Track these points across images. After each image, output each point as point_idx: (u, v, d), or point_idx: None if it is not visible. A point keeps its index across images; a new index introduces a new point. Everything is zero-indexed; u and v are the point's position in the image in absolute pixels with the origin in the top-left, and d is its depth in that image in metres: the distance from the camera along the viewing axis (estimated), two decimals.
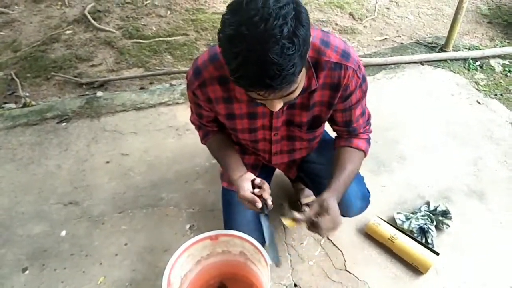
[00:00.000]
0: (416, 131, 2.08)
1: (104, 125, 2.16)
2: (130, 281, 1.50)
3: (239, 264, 1.36)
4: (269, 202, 1.11)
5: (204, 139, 1.33)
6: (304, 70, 0.87)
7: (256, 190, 1.11)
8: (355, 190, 1.30)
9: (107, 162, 1.96)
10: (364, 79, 1.10)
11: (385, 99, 2.29)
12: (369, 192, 1.36)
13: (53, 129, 2.16)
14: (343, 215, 1.38)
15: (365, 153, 1.24)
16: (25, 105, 2.36)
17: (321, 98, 1.10)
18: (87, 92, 2.48)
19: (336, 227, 1.06)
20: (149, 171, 1.91)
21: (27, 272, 1.54)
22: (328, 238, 1.60)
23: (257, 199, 1.09)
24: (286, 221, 1.10)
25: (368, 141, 1.25)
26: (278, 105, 0.89)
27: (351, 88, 1.07)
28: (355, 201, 1.30)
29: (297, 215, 1.05)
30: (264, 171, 1.44)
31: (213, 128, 1.29)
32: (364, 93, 1.13)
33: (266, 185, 1.13)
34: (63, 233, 1.66)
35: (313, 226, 1.04)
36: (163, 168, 1.92)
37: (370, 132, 1.25)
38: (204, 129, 1.31)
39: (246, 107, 1.11)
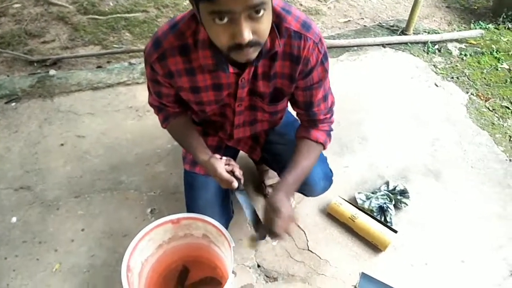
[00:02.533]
0: (377, 112, 2.12)
1: (58, 106, 2.04)
2: (88, 267, 1.45)
3: (202, 247, 1.34)
4: (241, 177, 1.12)
5: (164, 122, 1.26)
6: (269, 6, 0.83)
7: (228, 168, 1.10)
8: (318, 171, 1.30)
9: (62, 144, 1.86)
10: (325, 56, 1.07)
11: (348, 81, 2.31)
12: (331, 172, 1.37)
13: (1, 109, 2.01)
14: (306, 195, 1.40)
15: (324, 145, 1.22)
16: None
17: (282, 70, 1.07)
18: (38, 71, 2.32)
19: (291, 226, 1.05)
20: (107, 154, 1.83)
21: None
22: None
23: (233, 178, 1.08)
24: (248, 244, 1.13)
25: (328, 133, 1.23)
26: (246, 32, 0.80)
27: (312, 63, 1.05)
28: (319, 181, 1.31)
29: (254, 233, 1.11)
30: (227, 153, 1.41)
31: (174, 109, 1.22)
32: (326, 72, 1.10)
33: (233, 162, 1.13)
34: (14, 219, 1.57)
35: (271, 234, 1.03)
36: (123, 150, 1.85)
37: (331, 122, 1.23)
38: (165, 112, 1.23)
39: (210, 78, 1.05)
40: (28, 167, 1.75)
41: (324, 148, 1.23)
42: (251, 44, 0.84)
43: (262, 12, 0.80)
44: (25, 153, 1.81)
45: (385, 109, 2.15)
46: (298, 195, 1.59)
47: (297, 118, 1.29)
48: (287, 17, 0.99)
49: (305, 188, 1.32)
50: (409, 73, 2.41)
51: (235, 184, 1.07)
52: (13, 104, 2.04)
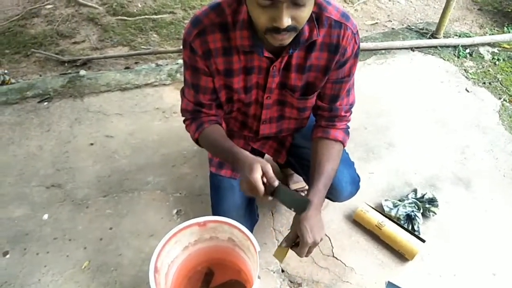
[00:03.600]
0: (405, 118, 2.09)
1: (88, 106, 2.10)
2: (116, 266, 1.48)
3: (227, 250, 1.35)
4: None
5: (197, 131, 1.18)
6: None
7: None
8: (346, 175, 1.29)
9: (91, 144, 1.91)
10: (359, 50, 1.11)
11: (376, 84, 2.28)
12: (359, 177, 1.36)
13: (34, 108, 2.08)
14: (332, 200, 1.39)
15: (343, 143, 1.23)
16: (3, 83, 2.27)
17: (318, 62, 1.09)
18: (69, 71, 2.39)
19: (320, 240, 1.13)
20: (134, 154, 1.87)
21: (8, 256, 1.50)
22: None
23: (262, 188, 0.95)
24: (277, 255, 1.17)
25: (346, 131, 1.24)
26: (285, 18, 0.84)
27: (348, 53, 1.08)
28: (346, 185, 1.30)
29: (284, 244, 1.15)
30: None
31: (208, 116, 1.19)
32: (355, 66, 1.14)
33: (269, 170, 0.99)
34: (45, 216, 1.62)
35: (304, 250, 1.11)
36: (149, 151, 1.88)
37: (349, 120, 1.25)
38: (198, 120, 1.19)
39: (244, 59, 1.07)
40: (59, 165, 1.81)
41: (344, 146, 1.24)
42: (288, 29, 0.87)
43: (304, 2, 0.84)
44: (56, 151, 1.87)
45: (413, 114, 2.11)
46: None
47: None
48: (328, 7, 1.02)
49: (332, 193, 1.32)
50: (438, 78, 2.36)
51: (276, 182, 0.96)
52: (45, 103, 2.11)
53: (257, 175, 0.93)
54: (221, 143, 1.12)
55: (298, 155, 1.40)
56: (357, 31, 1.08)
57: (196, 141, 1.22)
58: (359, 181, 1.36)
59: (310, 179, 1.18)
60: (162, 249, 1.20)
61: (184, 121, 1.24)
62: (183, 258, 1.34)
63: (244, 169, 0.98)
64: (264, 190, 0.95)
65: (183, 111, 1.23)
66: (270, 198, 0.98)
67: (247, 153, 1.02)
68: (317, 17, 1.01)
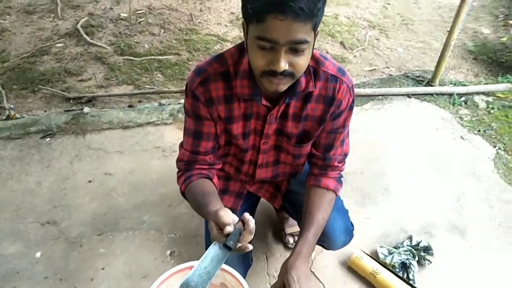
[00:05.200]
0: (401, 163, 2.11)
1: (89, 143, 2.14)
2: None
3: None
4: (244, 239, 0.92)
5: (185, 182, 1.17)
6: (311, 46, 0.92)
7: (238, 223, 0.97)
8: (339, 224, 1.31)
9: (90, 181, 1.93)
10: (354, 103, 1.16)
11: (373, 130, 2.33)
12: (352, 226, 1.37)
13: (36, 144, 2.12)
14: (326, 248, 1.39)
15: (335, 192, 1.25)
16: (8, 118, 2.32)
17: (314, 112, 1.13)
18: (74, 107, 2.46)
19: None
20: (132, 193, 1.88)
21: None
22: (311, 270, 1.58)
23: (230, 225, 0.89)
24: None
25: (338, 179, 1.27)
26: (283, 62, 0.88)
27: (343, 105, 1.12)
28: (339, 235, 1.30)
29: None
30: (248, 200, 1.43)
31: (203, 165, 1.19)
32: (350, 118, 1.19)
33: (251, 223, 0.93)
34: (38, 254, 1.61)
35: None
36: (147, 190, 1.89)
37: (342, 170, 1.28)
38: (190, 172, 1.18)
39: (244, 107, 1.11)
40: (56, 202, 1.82)
41: (336, 195, 1.26)
42: (284, 74, 0.91)
43: (303, 50, 0.89)
44: (55, 188, 1.88)
45: (409, 160, 2.14)
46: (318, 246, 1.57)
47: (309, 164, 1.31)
48: (325, 62, 1.08)
49: (326, 241, 1.32)
50: (434, 125, 2.41)
51: (229, 228, 0.88)
52: (48, 139, 2.15)
53: (212, 222, 0.94)
54: (200, 198, 1.10)
55: (293, 201, 1.42)
56: (352, 85, 1.14)
57: (183, 194, 1.22)
58: (353, 230, 1.37)
59: (300, 228, 1.20)
60: None
61: (177, 173, 1.23)
62: None
63: (208, 219, 0.99)
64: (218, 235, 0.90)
65: (178, 162, 1.23)
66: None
67: (217, 204, 1.03)
68: (315, 71, 1.07)
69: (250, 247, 0.91)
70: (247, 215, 0.92)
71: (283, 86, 0.96)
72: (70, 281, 1.53)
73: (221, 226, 0.90)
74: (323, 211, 1.20)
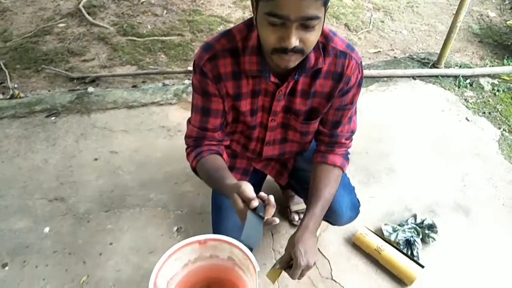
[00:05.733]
0: (406, 144, 2.12)
1: (94, 122, 2.14)
2: (114, 282, 1.48)
3: (226, 269, 1.35)
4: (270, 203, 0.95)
5: (196, 158, 1.19)
6: (321, 23, 0.90)
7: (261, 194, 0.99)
8: (346, 200, 1.32)
9: (96, 159, 1.94)
10: (362, 80, 1.16)
11: (377, 111, 2.33)
12: (359, 202, 1.38)
13: (41, 123, 2.12)
14: (332, 224, 1.41)
15: (342, 169, 1.25)
16: (12, 97, 2.32)
17: (322, 89, 1.13)
18: (78, 87, 2.45)
19: (313, 264, 1.14)
20: (138, 171, 1.89)
21: (7, 268, 1.50)
22: None
23: (255, 199, 0.92)
24: (270, 276, 1.17)
25: (345, 156, 1.27)
26: (294, 38, 0.87)
27: (352, 82, 1.12)
28: (346, 211, 1.32)
29: (277, 265, 1.15)
30: (255, 177, 1.44)
31: (211, 141, 1.21)
32: (358, 95, 1.18)
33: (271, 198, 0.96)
34: (47, 229, 1.63)
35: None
36: (153, 168, 1.90)
37: (349, 147, 1.28)
38: (199, 148, 1.20)
39: (252, 83, 1.11)
40: (63, 179, 1.83)
41: (343, 171, 1.26)
42: (295, 50, 0.90)
43: (313, 26, 0.88)
44: (61, 165, 1.89)
45: (414, 141, 2.14)
46: (323, 223, 1.59)
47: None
48: (334, 38, 1.07)
49: (332, 217, 1.33)
50: (439, 106, 2.41)
51: (255, 203, 0.92)
52: (53, 118, 2.15)
53: (236, 195, 0.95)
54: (214, 173, 1.12)
55: (300, 178, 1.43)
56: (361, 61, 1.13)
57: (194, 170, 1.23)
58: (359, 206, 1.38)
59: (307, 203, 1.21)
60: (162, 267, 1.20)
61: (186, 150, 1.25)
62: (182, 276, 1.33)
63: (227, 193, 1.01)
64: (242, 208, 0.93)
65: (187, 138, 1.24)
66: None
67: (234, 181, 1.03)
68: (324, 47, 1.07)
69: (277, 220, 0.94)
70: (263, 194, 0.95)
71: (293, 62, 0.96)
72: (79, 255, 1.55)
73: (245, 200, 0.92)
74: (330, 187, 1.21)
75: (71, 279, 1.48)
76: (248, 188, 0.93)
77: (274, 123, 1.24)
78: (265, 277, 1.21)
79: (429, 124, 2.27)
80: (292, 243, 1.14)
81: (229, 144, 1.34)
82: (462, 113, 2.37)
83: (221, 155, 1.21)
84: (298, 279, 1.13)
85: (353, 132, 1.27)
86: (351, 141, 1.28)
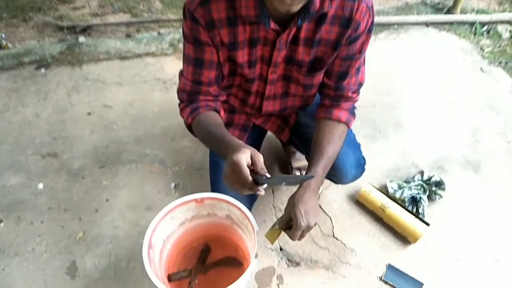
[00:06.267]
0: (415, 96, 2.01)
1: (86, 74, 2.04)
2: (111, 238, 1.46)
3: (224, 227, 1.32)
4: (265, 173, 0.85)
5: (191, 115, 1.08)
6: None
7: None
8: (351, 158, 1.24)
9: (89, 113, 1.86)
10: (372, 25, 1.03)
11: (386, 60, 2.19)
12: (364, 160, 1.31)
13: (31, 75, 2.02)
14: (335, 182, 1.34)
15: (347, 125, 1.16)
16: (0, 47, 2.20)
17: (328, 36, 1.01)
18: (68, 37, 2.32)
19: (314, 225, 1.08)
20: (133, 125, 1.82)
21: (2, 224, 1.48)
22: None
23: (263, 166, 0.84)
24: (269, 236, 1.12)
25: (351, 111, 1.17)
26: None
27: (361, 28, 1.00)
28: (350, 169, 1.24)
29: (276, 226, 1.10)
30: (254, 133, 1.36)
31: (207, 96, 1.11)
32: (367, 43, 1.06)
33: (257, 157, 0.86)
34: (41, 185, 1.59)
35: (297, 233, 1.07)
36: (149, 123, 1.83)
37: (356, 101, 1.18)
38: (195, 104, 1.09)
39: (249, 30, 1.00)
40: (56, 134, 1.77)
41: (348, 127, 1.18)
42: None
43: None
44: (53, 120, 1.82)
45: (424, 92, 2.03)
46: (326, 181, 1.53)
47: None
48: None
49: (335, 175, 1.27)
50: (453, 55, 2.26)
51: (262, 193, 0.85)
52: (43, 70, 2.05)
53: (242, 157, 0.81)
54: (214, 130, 1.01)
55: (302, 134, 1.34)
56: (372, 5, 1.00)
57: (189, 127, 1.13)
58: (364, 164, 1.30)
59: (309, 161, 1.13)
60: (158, 225, 1.16)
61: (179, 105, 1.14)
62: (179, 234, 1.30)
63: (228, 152, 0.86)
64: (250, 178, 0.81)
65: (180, 92, 1.13)
66: (260, 191, 0.84)
67: (240, 141, 0.93)
68: None
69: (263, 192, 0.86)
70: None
71: (296, 6, 0.84)
72: (75, 211, 1.53)
73: (255, 161, 0.83)
74: (333, 145, 1.12)
75: (67, 236, 1.46)
76: (261, 159, 0.84)
77: (274, 76, 1.13)
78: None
79: (441, 74, 2.14)
80: (292, 203, 1.08)
81: (226, 99, 1.25)
82: (477, 63, 2.23)
83: (218, 112, 1.12)
84: (298, 240, 1.08)
85: (360, 84, 1.16)
86: (358, 94, 1.18)
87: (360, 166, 1.28)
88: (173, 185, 1.61)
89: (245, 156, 0.82)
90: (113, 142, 1.75)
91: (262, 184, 0.83)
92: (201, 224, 1.33)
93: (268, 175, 0.82)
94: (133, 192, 1.59)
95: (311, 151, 1.15)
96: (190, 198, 1.19)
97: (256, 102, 1.24)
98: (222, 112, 1.15)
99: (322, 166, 1.10)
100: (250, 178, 0.82)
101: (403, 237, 1.46)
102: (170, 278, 1.25)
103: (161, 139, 1.76)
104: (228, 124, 1.31)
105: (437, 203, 1.57)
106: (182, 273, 1.28)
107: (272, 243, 1.15)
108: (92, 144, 1.74)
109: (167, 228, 1.23)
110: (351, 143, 1.27)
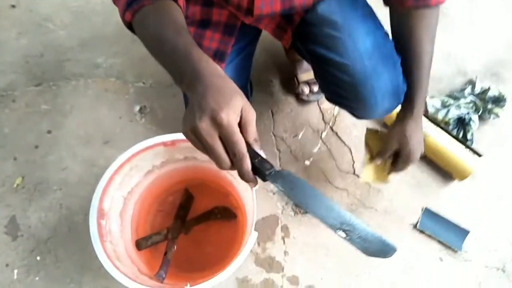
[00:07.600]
0: None
1: None
2: (60, 185, 1.13)
3: (209, 170, 0.97)
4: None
5: (130, 8, 0.62)
6: None
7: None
8: (386, 82, 0.82)
9: (13, 6, 1.37)
10: None
11: None
12: (404, 85, 0.87)
13: None
14: (357, 116, 0.94)
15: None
16: None
17: None
18: None
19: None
20: (77, 23, 1.36)
21: None
22: (332, 130, 1.19)
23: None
24: (368, 175, 0.98)
25: None
26: None
27: None
28: (382, 100, 0.83)
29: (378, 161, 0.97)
30: (243, 35, 0.91)
31: None
32: None
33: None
34: None
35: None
36: (98, 19, 1.37)
37: None
38: None
39: None
40: None
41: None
42: None
43: None
44: None
45: None
46: None
47: None
48: None
49: (358, 108, 0.88)
50: None
51: (256, 187, 0.54)
52: None
53: (233, 117, 0.47)
54: (169, 36, 0.58)
55: (311, 38, 0.87)
56: None
57: (129, 26, 0.67)
58: (405, 90, 0.87)
59: (406, 73, 0.85)
60: (109, 184, 0.81)
61: None
62: (146, 184, 0.97)
63: (196, 84, 0.50)
64: (249, 163, 0.48)
65: None
66: (254, 185, 0.52)
67: (216, 66, 0.52)
68: None
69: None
70: None
71: None
72: (6, 149, 1.17)
73: (245, 123, 0.48)
74: (432, 44, 0.83)
75: (1, 183, 1.12)
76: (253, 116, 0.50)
77: None
78: None
79: None
80: (402, 134, 0.91)
81: None
82: None
83: (176, 1, 0.65)
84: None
85: None
86: None
87: (397, 95, 0.86)
88: (137, 108, 1.22)
89: (236, 114, 0.47)
90: (50, 48, 1.31)
91: (264, 178, 0.49)
92: (176, 168, 1.00)
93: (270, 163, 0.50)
94: (84, 120, 1.21)
95: (407, 59, 0.84)
96: (155, 142, 0.83)
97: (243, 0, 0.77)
98: (182, 1, 0.67)
99: (426, 80, 0.87)
100: (249, 162, 0.47)
101: (445, 173, 1.13)
102: (139, 246, 0.93)
103: (117, 43, 1.33)
104: (204, 24, 0.86)
105: (489, 124, 1.21)
106: (155, 237, 0.97)
107: (376, 183, 1.05)
108: (21, 52, 1.30)
109: (127, 182, 0.90)
110: (388, 57, 0.84)
